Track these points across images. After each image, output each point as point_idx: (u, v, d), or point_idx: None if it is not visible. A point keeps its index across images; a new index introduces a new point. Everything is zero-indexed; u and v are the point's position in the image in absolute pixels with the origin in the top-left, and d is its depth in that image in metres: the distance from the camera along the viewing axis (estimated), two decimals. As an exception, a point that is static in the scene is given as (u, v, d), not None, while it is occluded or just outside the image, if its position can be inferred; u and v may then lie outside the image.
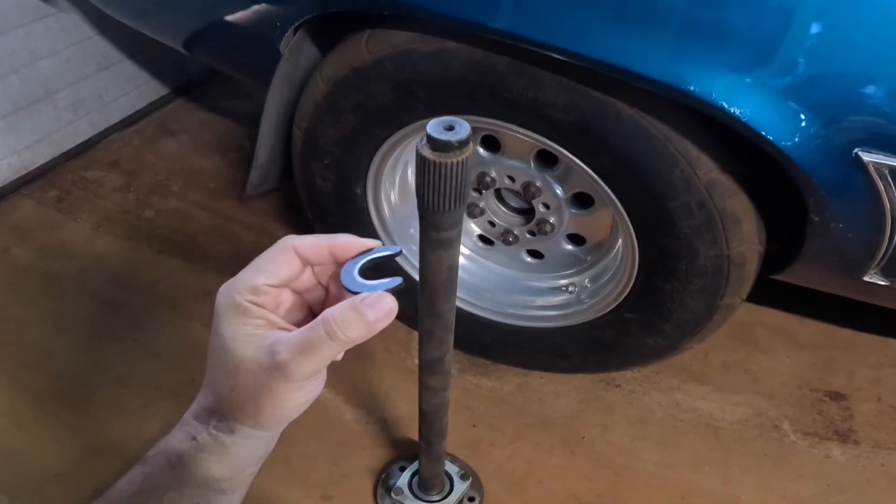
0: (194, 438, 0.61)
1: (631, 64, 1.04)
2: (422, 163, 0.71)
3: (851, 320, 1.87)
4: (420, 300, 0.90)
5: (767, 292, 1.63)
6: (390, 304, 0.58)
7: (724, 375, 1.77)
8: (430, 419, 1.17)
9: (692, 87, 1.01)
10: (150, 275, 1.98)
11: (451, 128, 0.69)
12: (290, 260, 0.62)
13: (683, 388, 1.74)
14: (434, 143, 0.69)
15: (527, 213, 1.56)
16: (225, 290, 0.61)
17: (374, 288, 0.59)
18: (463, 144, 0.70)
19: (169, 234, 2.10)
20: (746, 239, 1.25)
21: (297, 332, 0.58)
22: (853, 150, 1.02)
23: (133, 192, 2.24)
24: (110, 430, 1.59)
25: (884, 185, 1.04)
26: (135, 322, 1.85)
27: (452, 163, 0.69)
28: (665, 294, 1.37)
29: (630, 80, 1.07)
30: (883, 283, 1.25)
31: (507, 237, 1.58)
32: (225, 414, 0.61)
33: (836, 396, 1.72)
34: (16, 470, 1.52)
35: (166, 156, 2.38)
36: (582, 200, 1.45)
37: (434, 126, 0.69)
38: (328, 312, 0.57)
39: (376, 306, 0.58)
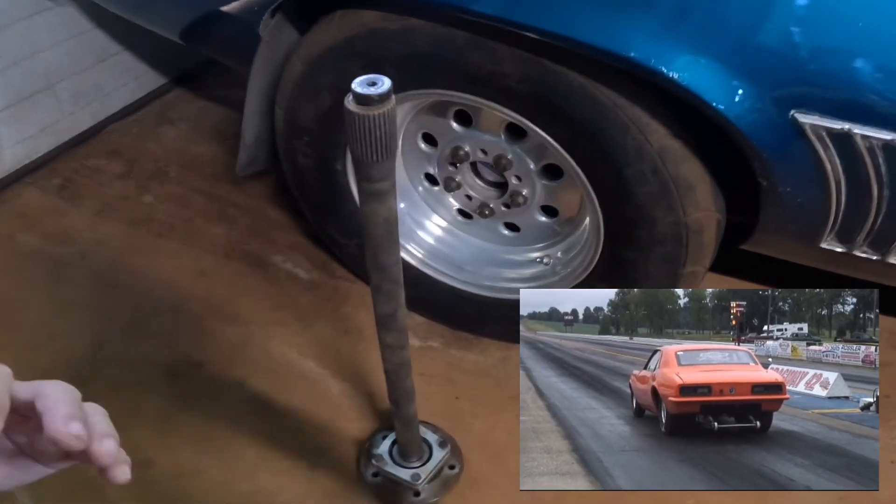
0: None
1: (574, 32, 1.09)
2: (349, 117, 0.76)
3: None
4: (366, 255, 0.95)
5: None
6: None
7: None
8: (392, 379, 1.22)
9: (632, 53, 1.06)
10: (150, 258, 2.04)
11: (373, 83, 0.75)
12: None
13: (662, 360, 1.77)
14: (358, 98, 0.75)
15: (501, 186, 1.61)
16: None
17: None
18: (384, 98, 0.75)
19: (167, 218, 2.17)
20: (702, 206, 1.30)
21: None
22: (790, 112, 1.06)
23: (133, 178, 2.31)
24: (109, 409, 1.65)
25: (822, 147, 1.08)
26: (134, 303, 1.92)
27: (375, 115, 0.75)
28: (629, 263, 1.42)
29: (575, 48, 1.12)
30: (839, 250, 1.28)
31: (483, 210, 1.63)
32: None
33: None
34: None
35: (165, 143, 2.45)
36: (552, 172, 1.50)
37: (358, 83, 0.75)
38: None
39: None
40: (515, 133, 1.47)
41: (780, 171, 1.15)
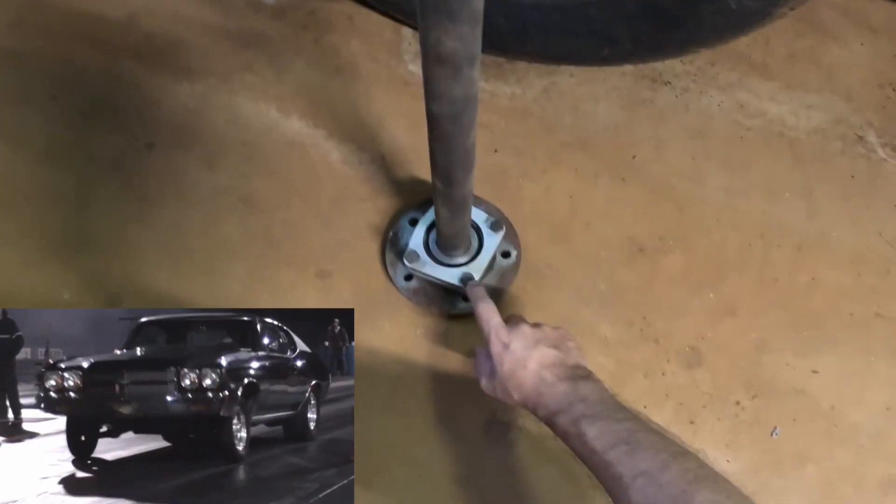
0: None
1: None
2: None
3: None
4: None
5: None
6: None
7: (791, 68, 1.38)
8: (447, 128, 0.75)
9: None
10: None
11: None
12: None
13: (746, 85, 1.37)
14: None
15: None
16: None
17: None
18: None
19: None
20: None
21: None
22: None
23: None
24: (53, 237, 1.27)
25: None
26: (50, 71, 1.43)
27: None
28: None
29: None
30: None
31: None
32: None
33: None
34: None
35: None
36: None
37: None
38: None
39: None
40: None
41: None
